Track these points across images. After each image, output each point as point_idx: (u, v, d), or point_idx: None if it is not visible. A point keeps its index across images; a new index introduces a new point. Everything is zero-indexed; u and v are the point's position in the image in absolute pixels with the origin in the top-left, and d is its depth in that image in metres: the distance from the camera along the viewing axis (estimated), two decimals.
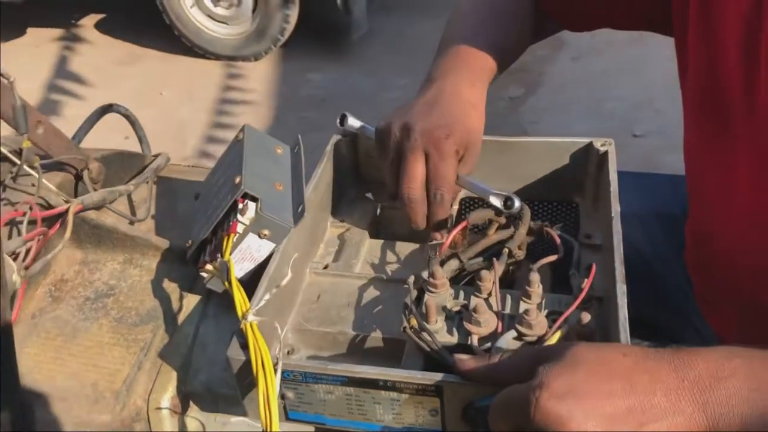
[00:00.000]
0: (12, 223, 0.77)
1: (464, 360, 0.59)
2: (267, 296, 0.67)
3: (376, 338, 0.73)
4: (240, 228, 0.74)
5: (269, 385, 0.59)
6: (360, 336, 0.73)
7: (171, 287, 0.81)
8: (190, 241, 0.79)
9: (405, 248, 0.84)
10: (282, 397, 0.65)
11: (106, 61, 3.96)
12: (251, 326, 0.63)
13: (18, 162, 0.75)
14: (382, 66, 3.69)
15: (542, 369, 0.53)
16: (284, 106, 3.46)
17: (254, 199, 0.75)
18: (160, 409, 0.74)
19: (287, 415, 0.66)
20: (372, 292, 0.78)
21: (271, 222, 0.74)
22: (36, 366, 0.75)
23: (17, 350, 0.65)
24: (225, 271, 0.72)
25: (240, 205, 0.74)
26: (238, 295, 0.67)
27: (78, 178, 0.86)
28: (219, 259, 0.73)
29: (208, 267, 0.74)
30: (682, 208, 1.14)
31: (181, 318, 0.79)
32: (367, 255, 0.84)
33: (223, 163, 0.84)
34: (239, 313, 0.65)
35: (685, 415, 0.51)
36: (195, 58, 3.87)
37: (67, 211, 0.77)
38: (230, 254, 0.72)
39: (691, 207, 0.99)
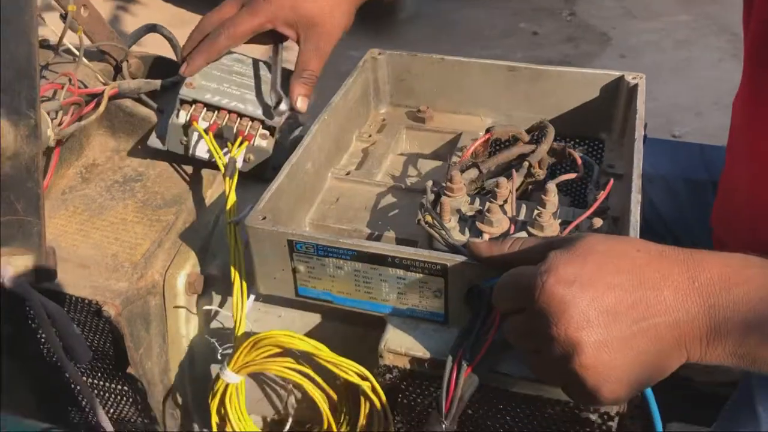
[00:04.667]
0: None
1: (477, 242, 0.60)
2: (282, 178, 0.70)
3: (389, 238, 0.74)
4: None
5: None
6: (374, 235, 0.75)
7: (197, 178, 0.84)
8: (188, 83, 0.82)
9: (427, 164, 0.85)
10: (293, 271, 0.66)
11: (156, 22, 4.03)
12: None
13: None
14: (424, 49, 3.69)
15: (553, 254, 0.53)
16: (324, 80, 3.48)
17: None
18: (175, 285, 0.76)
19: (297, 291, 0.68)
20: (389, 199, 0.79)
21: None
22: (61, 235, 0.78)
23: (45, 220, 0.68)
24: (232, 169, 0.78)
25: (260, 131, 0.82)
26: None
27: (117, 69, 0.88)
28: (227, 156, 0.79)
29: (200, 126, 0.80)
30: (710, 175, 1.14)
31: (204, 206, 0.81)
32: (389, 167, 0.85)
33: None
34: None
35: (690, 314, 0.51)
36: None
37: (103, 92, 0.79)
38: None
39: (727, 162, 0.99)
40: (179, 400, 0.83)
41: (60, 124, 0.73)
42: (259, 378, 0.77)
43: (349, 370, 0.66)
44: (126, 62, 0.88)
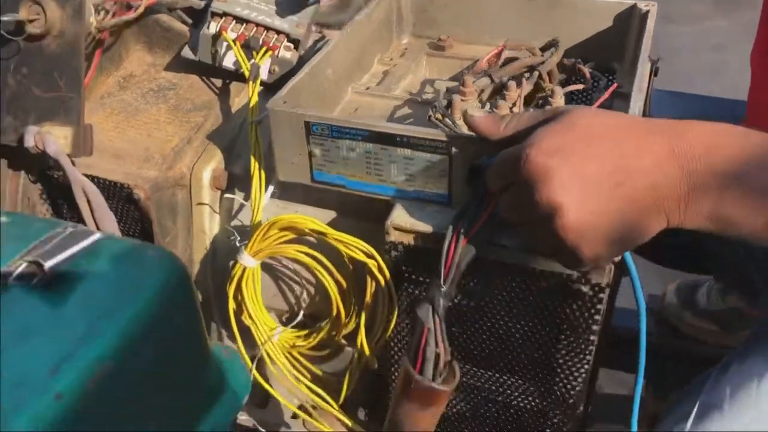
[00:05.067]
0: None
1: (474, 115, 0.64)
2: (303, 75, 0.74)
3: None
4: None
5: None
6: None
7: (225, 89, 0.89)
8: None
9: (444, 84, 0.89)
10: (309, 155, 0.71)
11: None
12: None
13: None
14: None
15: (539, 129, 0.56)
16: None
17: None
18: (201, 179, 0.81)
19: (313, 176, 0.72)
20: (405, 111, 0.83)
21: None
22: (98, 132, 0.83)
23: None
24: (255, 73, 0.83)
25: (284, 43, 0.88)
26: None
27: None
28: (252, 62, 0.85)
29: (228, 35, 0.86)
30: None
31: (231, 112, 0.87)
32: (407, 85, 0.89)
33: None
34: None
35: (668, 177, 0.52)
36: None
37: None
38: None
39: (748, 113, 1.01)
40: (200, 295, 0.87)
41: (102, 20, 0.79)
42: (273, 273, 0.82)
43: (356, 248, 0.70)
44: None
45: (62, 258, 0.43)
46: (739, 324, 1.34)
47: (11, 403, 0.36)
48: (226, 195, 0.81)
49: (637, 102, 0.69)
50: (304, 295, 0.81)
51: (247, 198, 0.83)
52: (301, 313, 0.81)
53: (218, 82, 0.90)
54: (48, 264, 0.42)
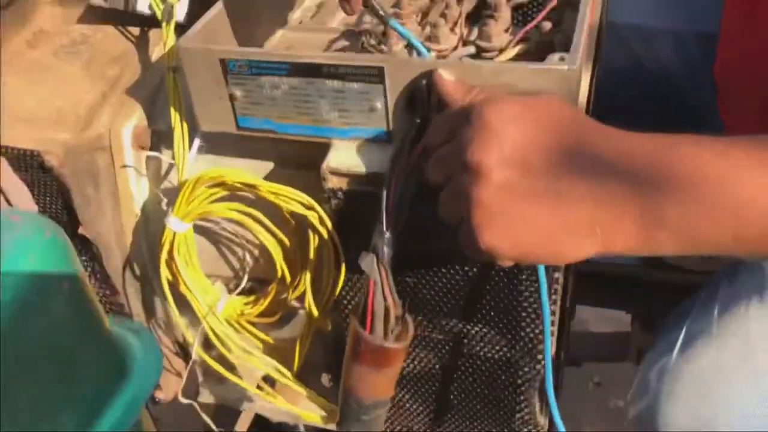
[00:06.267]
0: None
1: (445, 77, 0.55)
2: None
3: None
4: None
5: None
6: None
7: (144, 38, 0.81)
8: None
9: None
10: (231, 98, 0.63)
11: None
12: None
13: None
14: None
15: (508, 95, 0.49)
16: None
17: None
18: (121, 138, 0.73)
19: (237, 123, 0.64)
20: (343, 43, 0.75)
21: None
22: (4, 96, 0.75)
23: None
24: (169, 13, 0.72)
25: None
26: None
27: None
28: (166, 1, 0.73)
29: None
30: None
31: (150, 62, 0.79)
32: (345, 16, 0.81)
33: None
34: None
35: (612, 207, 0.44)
36: None
37: None
38: None
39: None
40: (137, 269, 0.80)
41: None
42: (211, 236, 0.75)
43: (293, 199, 0.63)
44: None
45: None
46: None
47: None
48: (149, 153, 0.73)
49: (586, 8, 0.61)
50: (247, 257, 0.74)
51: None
52: (246, 277, 0.74)
53: (135, 31, 0.82)
54: None
